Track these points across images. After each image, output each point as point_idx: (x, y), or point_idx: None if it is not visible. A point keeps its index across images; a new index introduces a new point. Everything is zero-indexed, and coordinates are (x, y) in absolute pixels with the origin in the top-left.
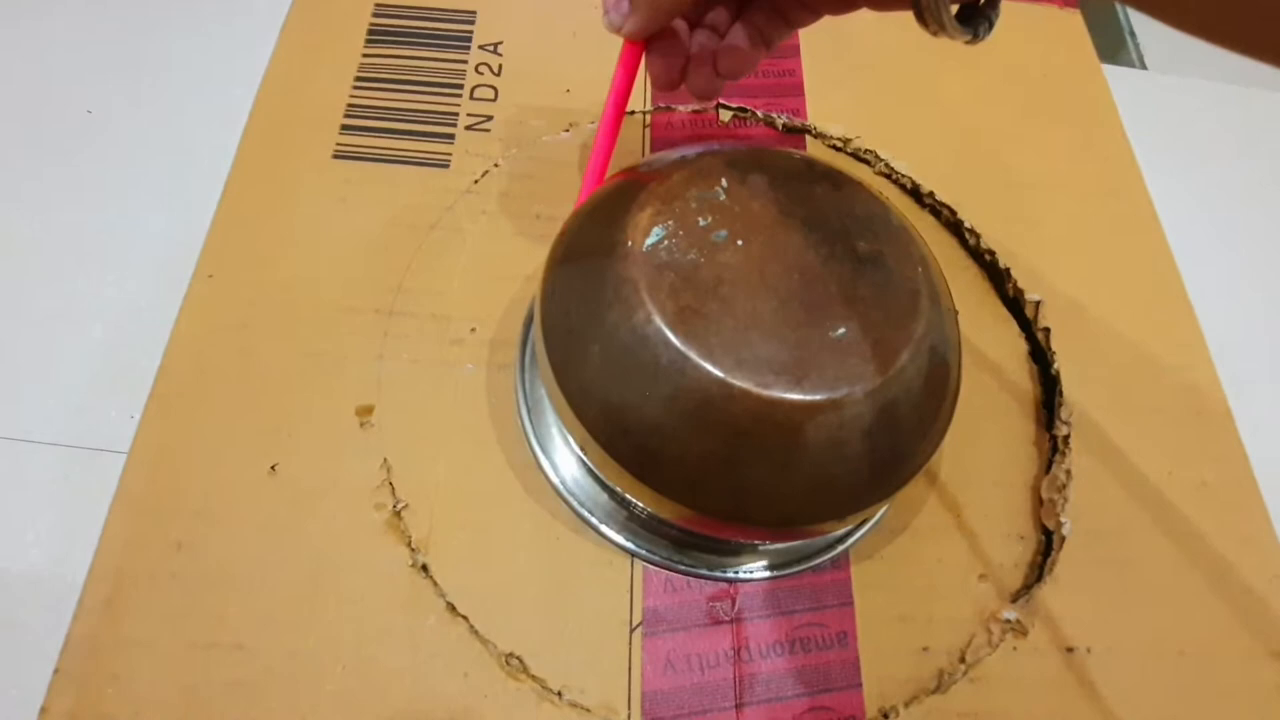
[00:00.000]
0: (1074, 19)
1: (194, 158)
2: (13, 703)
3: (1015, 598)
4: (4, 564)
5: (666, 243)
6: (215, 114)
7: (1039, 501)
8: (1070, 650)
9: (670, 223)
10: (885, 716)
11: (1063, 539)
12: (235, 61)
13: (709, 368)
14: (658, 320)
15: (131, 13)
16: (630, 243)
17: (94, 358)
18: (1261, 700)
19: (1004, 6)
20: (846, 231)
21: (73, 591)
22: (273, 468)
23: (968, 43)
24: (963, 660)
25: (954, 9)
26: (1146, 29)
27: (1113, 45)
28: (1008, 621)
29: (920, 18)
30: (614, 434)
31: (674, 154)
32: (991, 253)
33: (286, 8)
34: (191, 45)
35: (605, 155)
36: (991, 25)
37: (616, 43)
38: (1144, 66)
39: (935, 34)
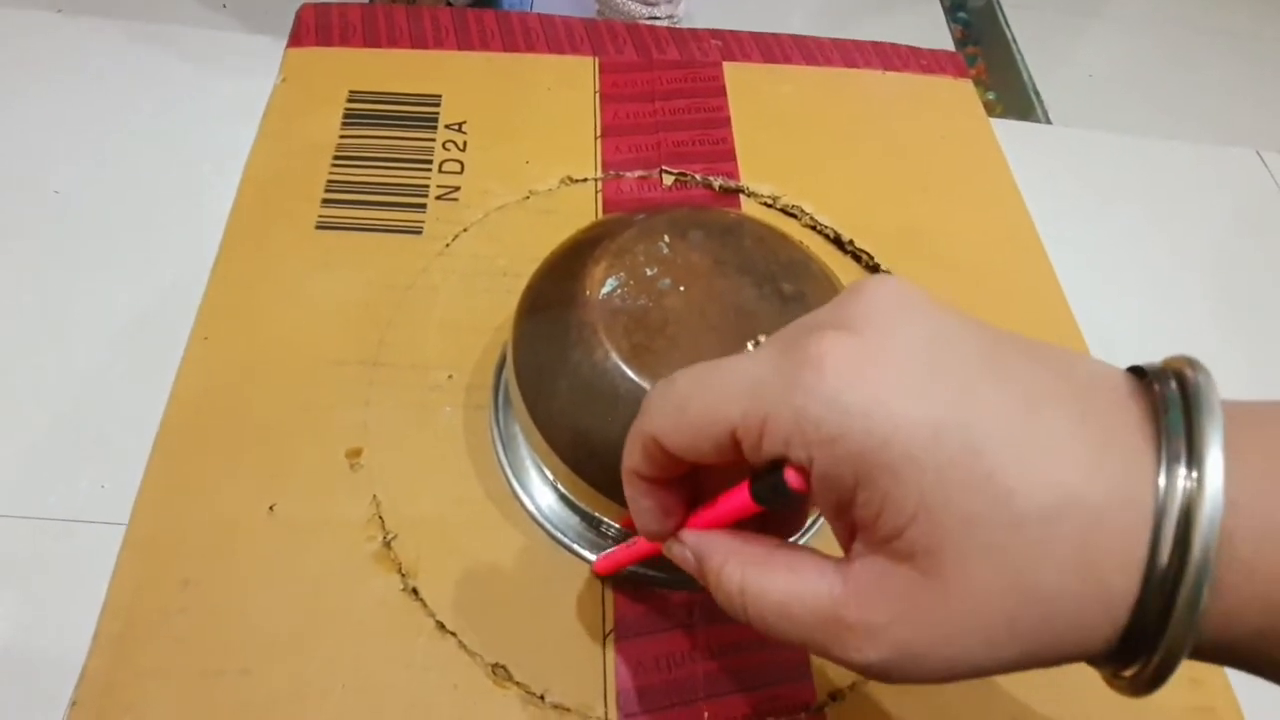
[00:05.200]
0: (966, 86)
1: (159, 234)
2: None
3: None
4: None
5: (619, 291)
6: (179, 191)
7: None
8: None
9: (622, 274)
10: (833, 698)
11: None
12: (198, 141)
13: None
14: (615, 357)
15: (96, 95)
16: (588, 292)
17: (62, 431)
18: None
19: (906, 78)
20: (773, 276)
21: (44, 662)
22: (271, 508)
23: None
24: None
25: None
26: (1051, 89)
27: (1022, 105)
28: None
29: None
30: (582, 457)
31: (625, 216)
32: None
33: (239, 93)
34: (156, 126)
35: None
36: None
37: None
38: (1049, 122)
39: None
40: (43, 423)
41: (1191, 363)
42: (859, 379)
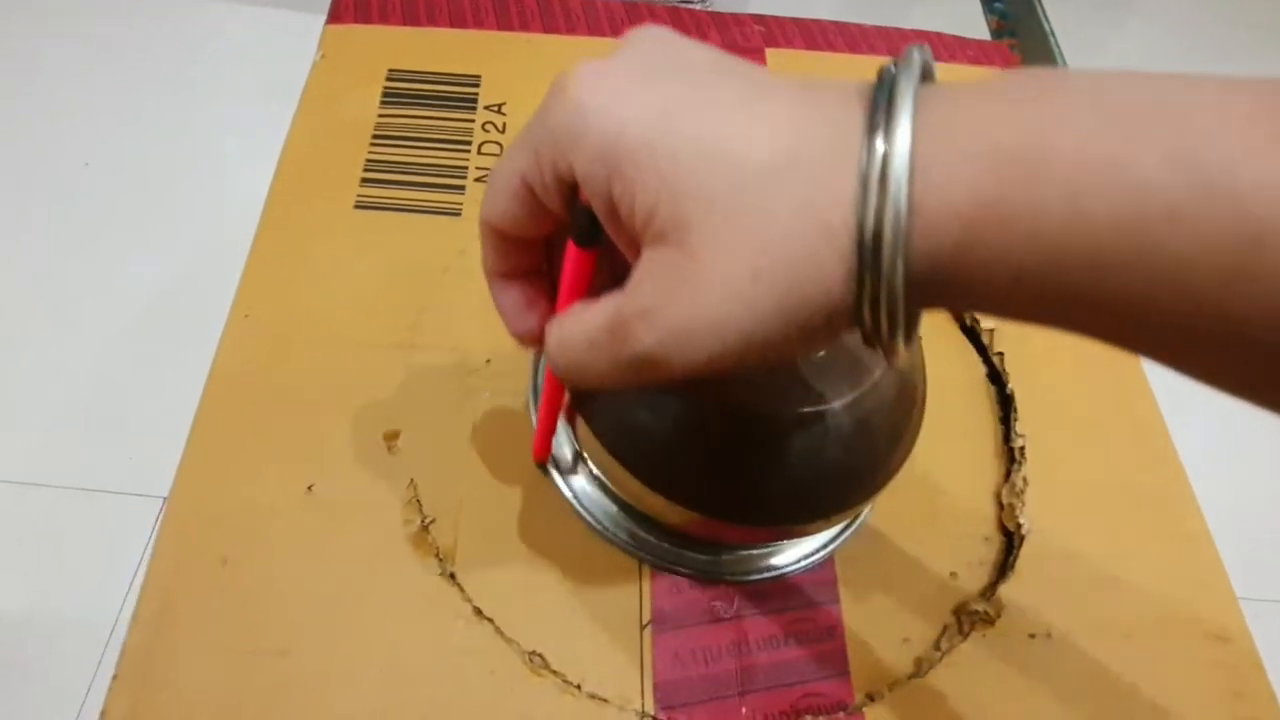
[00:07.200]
0: None
1: (190, 209)
2: None
3: (983, 592)
4: (1, 604)
5: None
6: (212, 166)
7: (1000, 506)
8: (1032, 636)
9: None
10: (871, 699)
11: (1022, 538)
12: (232, 116)
13: (711, 387)
14: None
15: (130, 69)
16: None
17: (89, 402)
18: (1199, 676)
19: (952, 69)
20: None
21: (71, 628)
22: (309, 488)
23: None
24: (938, 648)
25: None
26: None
27: None
28: (976, 613)
29: (866, 342)
30: (627, 449)
31: None
32: None
33: (275, 68)
34: (190, 101)
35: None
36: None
37: None
38: None
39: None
40: (69, 394)
41: (920, 48)
42: (597, 88)
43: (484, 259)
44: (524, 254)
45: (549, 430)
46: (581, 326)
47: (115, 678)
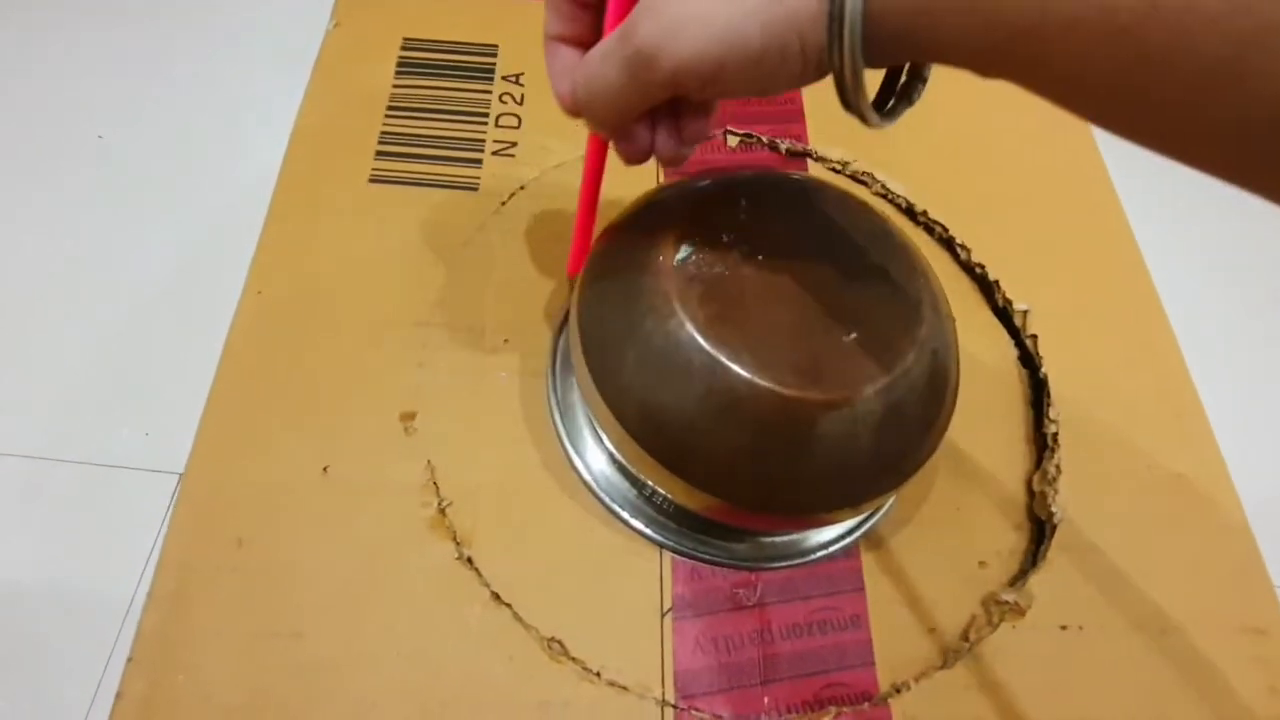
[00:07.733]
0: None
1: (203, 182)
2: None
3: (1013, 582)
4: (19, 579)
5: (694, 258)
6: (224, 138)
7: (1031, 494)
8: (1063, 628)
9: (697, 240)
10: (897, 691)
11: (1054, 528)
12: (244, 87)
13: (737, 369)
14: (689, 327)
15: (141, 40)
16: (661, 258)
17: (105, 377)
18: (1236, 672)
19: None
20: (854, 246)
21: (88, 602)
22: (325, 469)
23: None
24: (966, 639)
25: (871, 96)
26: None
27: None
28: (1006, 603)
29: (842, 99)
30: (649, 431)
31: (694, 179)
32: (981, 266)
33: (287, 37)
34: (202, 71)
35: (587, 231)
36: (911, 103)
37: None
38: None
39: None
40: (85, 369)
41: None
42: None
43: (546, 22)
44: (580, 20)
45: (586, 237)
46: (600, 47)
47: (130, 660)
